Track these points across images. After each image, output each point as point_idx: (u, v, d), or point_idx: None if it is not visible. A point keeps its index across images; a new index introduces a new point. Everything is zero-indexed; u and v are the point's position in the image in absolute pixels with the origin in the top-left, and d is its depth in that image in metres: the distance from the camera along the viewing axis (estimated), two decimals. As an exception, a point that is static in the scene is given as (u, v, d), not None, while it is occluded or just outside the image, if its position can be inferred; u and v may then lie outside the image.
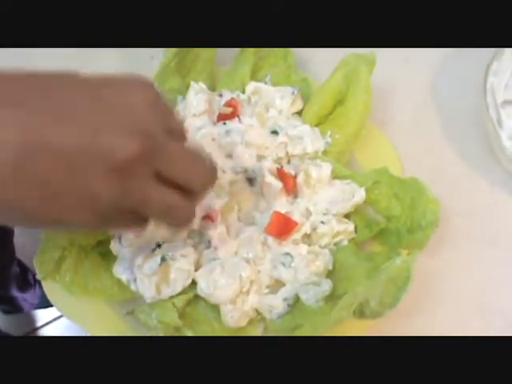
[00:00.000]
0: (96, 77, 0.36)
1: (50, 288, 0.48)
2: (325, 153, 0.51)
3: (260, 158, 0.50)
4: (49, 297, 0.48)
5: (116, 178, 0.34)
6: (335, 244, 0.48)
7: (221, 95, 0.52)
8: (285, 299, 0.45)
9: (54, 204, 0.34)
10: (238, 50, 0.56)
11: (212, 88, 0.54)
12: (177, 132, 0.38)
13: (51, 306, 0.48)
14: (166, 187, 0.36)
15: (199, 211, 0.47)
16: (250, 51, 0.54)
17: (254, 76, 0.55)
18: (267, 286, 0.46)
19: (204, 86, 0.52)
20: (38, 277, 0.48)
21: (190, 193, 0.38)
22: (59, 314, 0.49)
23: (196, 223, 0.47)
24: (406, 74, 0.57)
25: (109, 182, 0.34)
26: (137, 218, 0.38)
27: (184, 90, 0.53)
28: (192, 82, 0.52)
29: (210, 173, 0.40)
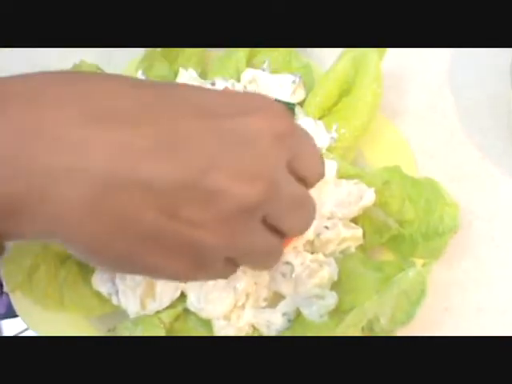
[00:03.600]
0: (215, 97, 0.33)
1: (19, 301, 0.48)
2: (329, 149, 0.50)
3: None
4: (18, 311, 0.48)
5: (224, 225, 0.31)
6: (341, 252, 0.48)
7: (213, 84, 0.52)
8: (284, 314, 0.45)
9: (142, 248, 0.31)
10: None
11: (203, 75, 0.54)
12: (302, 175, 0.34)
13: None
14: (270, 232, 0.34)
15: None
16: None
17: (251, 62, 0.54)
18: (265, 300, 0.46)
19: (194, 74, 0.52)
20: (6, 289, 0.48)
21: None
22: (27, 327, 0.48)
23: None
24: (420, 59, 0.57)
25: (213, 230, 0.31)
26: (230, 265, 0.35)
27: (172, 78, 0.52)
28: (181, 69, 0.52)
29: (311, 219, 0.37)
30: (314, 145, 0.36)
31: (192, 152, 0.30)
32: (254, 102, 0.33)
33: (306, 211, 0.36)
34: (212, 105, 0.32)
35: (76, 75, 0.33)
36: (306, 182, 0.35)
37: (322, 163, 0.36)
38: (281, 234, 0.35)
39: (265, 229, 0.33)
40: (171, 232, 0.30)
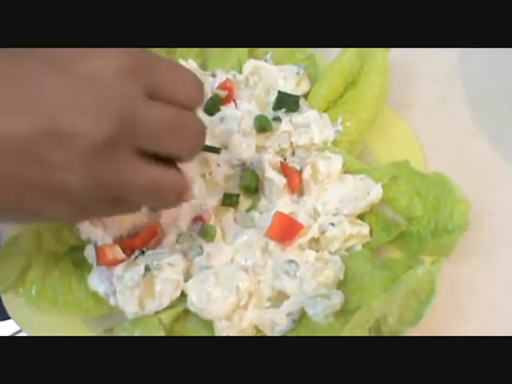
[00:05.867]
0: (65, 52, 0.36)
1: (11, 302, 0.48)
2: (335, 143, 0.51)
3: (260, 149, 0.50)
4: (10, 313, 0.48)
5: (85, 165, 0.35)
6: (347, 250, 0.48)
7: (214, 75, 0.52)
8: (289, 314, 0.45)
9: (22, 197, 0.35)
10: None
11: (204, 67, 0.54)
12: (174, 100, 0.38)
13: (9, 318, 0.48)
14: (147, 163, 0.37)
15: (189, 212, 0.47)
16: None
17: (253, 53, 0.55)
18: (268, 299, 0.46)
19: (195, 65, 0.52)
20: (-3, 290, 0.48)
21: (174, 161, 0.39)
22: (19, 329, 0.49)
23: (185, 225, 0.47)
24: (429, 50, 0.56)
25: (75, 170, 0.35)
26: (123, 204, 0.39)
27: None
28: (180, 60, 0.52)
29: (197, 138, 0.40)
30: (183, 71, 0.39)
31: (39, 101, 0.34)
32: (103, 49, 0.37)
33: (186, 131, 0.39)
34: (58, 55, 0.36)
35: None
36: (186, 106, 0.38)
37: (197, 86, 0.39)
38: (169, 163, 0.38)
39: (141, 160, 0.37)
40: (44, 178, 0.35)
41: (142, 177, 0.37)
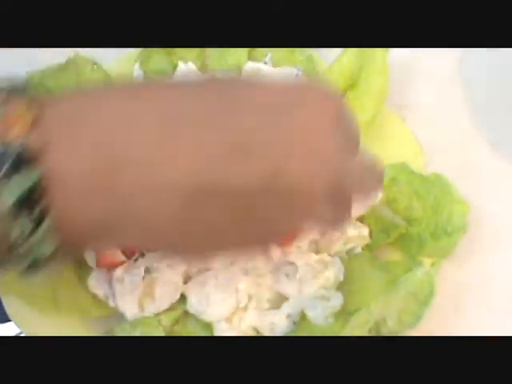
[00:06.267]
0: (271, 93, 0.35)
1: (10, 303, 0.48)
2: (334, 145, 0.51)
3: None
4: (9, 313, 0.48)
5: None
6: (347, 252, 0.48)
7: (213, 77, 0.52)
8: (288, 316, 0.46)
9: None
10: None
11: (203, 69, 0.54)
12: (352, 146, 0.38)
13: (10, 321, 0.48)
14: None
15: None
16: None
17: (252, 54, 0.55)
18: (268, 301, 0.47)
19: (194, 67, 0.52)
20: (-3, 292, 0.48)
21: None
22: (20, 331, 0.49)
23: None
24: (428, 50, 0.56)
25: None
26: None
27: (170, 71, 0.53)
28: (180, 62, 0.52)
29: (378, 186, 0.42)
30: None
31: (261, 153, 0.32)
32: (310, 91, 0.35)
33: (371, 181, 0.41)
34: (269, 100, 0.34)
35: (135, 88, 0.35)
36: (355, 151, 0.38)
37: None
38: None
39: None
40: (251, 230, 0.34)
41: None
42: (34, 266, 0.31)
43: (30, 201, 0.29)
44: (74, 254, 0.33)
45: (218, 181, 0.31)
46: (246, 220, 0.33)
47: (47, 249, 0.31)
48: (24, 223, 0.29)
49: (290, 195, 0.33)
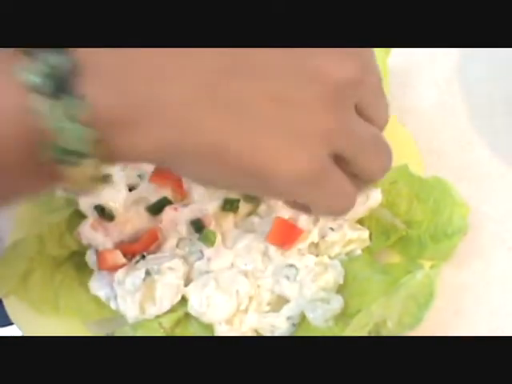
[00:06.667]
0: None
1: (13, 306, 0.48)
2: (334, 148, 0.51)
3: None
4: (11, 316, 0.48)
5: (332, 108, 0.35)
6: (347, 254, 0.48)
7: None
8: (289, 318, 0.46)
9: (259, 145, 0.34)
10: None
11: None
12: (369, 109, 0.38)
13: (12, 324, 0.49)
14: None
15: (189, 216, 0.48)
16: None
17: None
18: (268, 303, 0.47)
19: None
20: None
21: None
22: (22, 334, 0.49)
23: (184, 230, 0.48)
24: (427, 53, 0.57)
25: (327, 113, 0.35)
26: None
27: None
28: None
29: (391, 154, 0.40)
30: (382, 89, 0.39)
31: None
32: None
33: (384, 151, 0.39)
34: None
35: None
36: (378, 126, 0.39)
37: (388, 109, 0.40)
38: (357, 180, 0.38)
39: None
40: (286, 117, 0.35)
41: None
42: (76, 161, 0.32)
43: (65, 83, 0.31)
44: (113, 154, 0.32)
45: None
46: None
47: (87, 136, 0.31)
48: (61, 109, 0.31)
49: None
